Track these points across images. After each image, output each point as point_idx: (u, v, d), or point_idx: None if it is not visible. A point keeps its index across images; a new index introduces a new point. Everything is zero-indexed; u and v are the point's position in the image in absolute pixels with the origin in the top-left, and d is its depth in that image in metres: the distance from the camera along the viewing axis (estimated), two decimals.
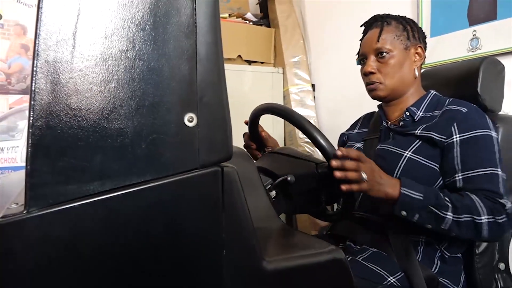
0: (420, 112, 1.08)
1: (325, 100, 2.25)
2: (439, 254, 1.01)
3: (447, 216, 0.88)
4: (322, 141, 0.86)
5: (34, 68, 0.42)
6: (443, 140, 0.99)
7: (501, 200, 0.90)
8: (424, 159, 1.00)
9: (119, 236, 0.45)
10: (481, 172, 0.94)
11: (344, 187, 0.85)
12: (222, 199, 0.50)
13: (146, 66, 0.47)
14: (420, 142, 1.02)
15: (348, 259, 1.00)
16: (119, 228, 0.45)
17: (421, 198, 0.90)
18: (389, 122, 1.15)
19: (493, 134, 0.98)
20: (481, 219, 0.88)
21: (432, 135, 1.00)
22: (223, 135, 0.51)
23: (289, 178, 0.86)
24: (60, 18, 0.44)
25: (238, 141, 1.15)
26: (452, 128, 0.99)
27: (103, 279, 0.45)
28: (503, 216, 0.89)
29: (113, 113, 0.45)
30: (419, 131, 1.02)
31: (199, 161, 0.49)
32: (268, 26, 2.32)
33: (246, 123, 1.16)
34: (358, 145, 1.19)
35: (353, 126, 1.34)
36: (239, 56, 2.15)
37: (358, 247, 1.04)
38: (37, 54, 0.43)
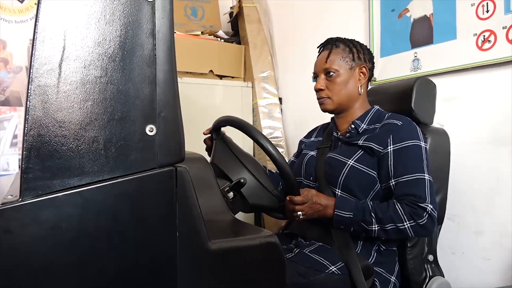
0: (364, 125, 1.24)
1: (291, 112, 2.41)
2: (376, 247, 1.16)
3: (373, 228, 1.08)
4: (286, 171, 1.07)
5: (29, 91, 0.56)
6: (380, 150, 1.15)
7: (422, 205, 1.06)
8: (364, 167, 1.16)
9: (94, 220, 0.59)
10: (409, 178, 1.10)
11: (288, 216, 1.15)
12: (176, 192, 0.64)
13: (116, 88, 0.61)
14: (362, 152, 1.18)
15: (297, 251, 1.15)
16: (93, 214, 0.59)
17: (351, 216, 1.10)
18: (339, 133, 1.31)
19: (422, 144, 1.14)
20: (403, 225, 1.05)
21: (371, 145, 1.16)
22: (177, 143, 0.65)
23: (242, 181, 1.01)
24: (49, 52, 0.57)
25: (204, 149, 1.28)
26: (388, 139, 1.15)
27: (80, 253, 0.58)
28: (423, 218, 1.05)
29: (90, 125, 0.59)
30: (361, 142, 1.18)
31: (157, 162, 0.63)
32: (239, 43, 2.48)
33: (204, 133, 1.30)
34: (312, 153, 1.35)
35: (310, 133, 1.50)
36: (211, 71, 2.29)
37: (307, 242, 1.19)
38: (31, 80, 0.56)
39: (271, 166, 2.06)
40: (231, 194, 1.05)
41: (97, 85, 0.60)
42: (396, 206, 1.07)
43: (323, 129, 1.46)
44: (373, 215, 1.08)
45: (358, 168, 1.16)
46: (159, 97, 0.63)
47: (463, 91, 1.53)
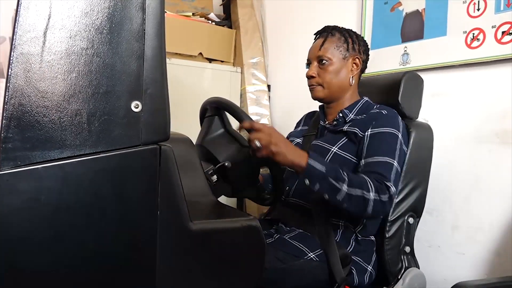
0: (352, 114, 1.25)
1: (279, 100, 2.41)
2: (355, 236, 1.18)
3: (343, 188, 1.01)
4: (237, 111, 1.04)
5: (11, 58, 0.54)
6: (361, 136, 1.16)
7: (387, 183, 1.05)
8: (347, 154, 1.17)
9: (74, 194, 0.58)
10: (378, 159, 1.10)
11: (250, 152, 1.02)
12: (159, 171, 0.63)
13: (102, 61, 0.59)
14: (346, 139, 1.19)
15: (277, 237, 1.16)
16: (73, 188, 0.58)
17: (323, 170, 1.02)
18: (326, 122, 1.31)
19: (399, 135, 1.15)
20: (369, 195, 1.02)
21: (355, 131, 1.17)
22: (162, 120, 0.64)
23: (226, 164, 1.00)
24: (34, 19, 0.56)
25: (192, 132, 1.27)
26: (370, 125, 1.16)
27: (59, 226, 0.57)
28: (386, 196, 1.04)
29: (73, 97, 0.58)
30: (346, 127, 1.19)
31: (141, 139, 0.62)
32: (230, 27, 2.45)
33: None
34: (298, 140, 1.35)
35: (297, 125, 1.51)
36: (200, 53, 2.26)
37: (288, 228, 1.20)
38: (14, 47, 0.54)
39: None
40: (214, 178, 1.05)
41: (83, 57, 0.58)
42: (365, 176, 1.06)
43: (309, 117, 1.47)
44: (345, 174, 1.04)
45: (341, 155, 1.17)
46: (146, 73, 0.62)
47: (450, 87, 1.55)
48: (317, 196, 1.05)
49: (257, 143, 0.99)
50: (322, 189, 1.03)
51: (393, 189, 1.06)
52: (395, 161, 1.11)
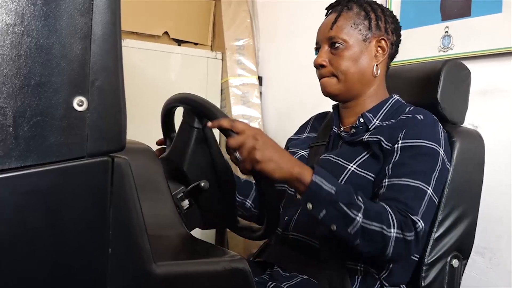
0: (377, 120, 1.26)
1: (274, 97, 2.43)
2: (379, 285, 1.20)
3: (357, 218, 1.03)
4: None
5: None
6: (388, 148, 1.18)
7: (413, 217, 1.07)
8: (369, 173, 1.19)
9: None
10: (408, 183, 1.12)
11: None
12: (111, 193, 0.64)
13: (34, 43, 0.61)
14: (368, 154, 1.20)
15: (272, 285, 1.17)
16: None
17: (332, 192, 1.04)
18: (342, 128, 1.33)
19: (441, 150, 1.17)
20: (390, 232, 1.04)
21: (380, 139, 1.18)
22: (116, 124, 0.65)
23: (202, 184, 1.02)
24: None
25: (155, 141, 1.29)
26: (400, 134, 1.18)
27: None
28: (412, 233, 1.06)
29: None
30: (367, 136, 1.20)
31: (87, 149, 0.63)
32: None
33: (158, 143, 1.30)
34: (302, 152, 1.36)
35: (302, 129, 1.51)
36: (166, 33, 2.28)
37: (287, 274, 1.21)
38: None
39: None
40: (186, 203, 1.06)
41: (9, 36, 0.59)
42: (385, 206, 1.08)
43: (318, 122, 1.48)
44: (360, 199, 1.06)
45: (361, 175, 1.18)
46: (94, 59, 0.63)
47: (506, 82, 1.58)
48: (322, 227, 1.07)
49: (237, 154, 1.00)
50: (330, 217, 1.04)
51: (421, 224, 1.07)
52: (429, 188, 1.12)
